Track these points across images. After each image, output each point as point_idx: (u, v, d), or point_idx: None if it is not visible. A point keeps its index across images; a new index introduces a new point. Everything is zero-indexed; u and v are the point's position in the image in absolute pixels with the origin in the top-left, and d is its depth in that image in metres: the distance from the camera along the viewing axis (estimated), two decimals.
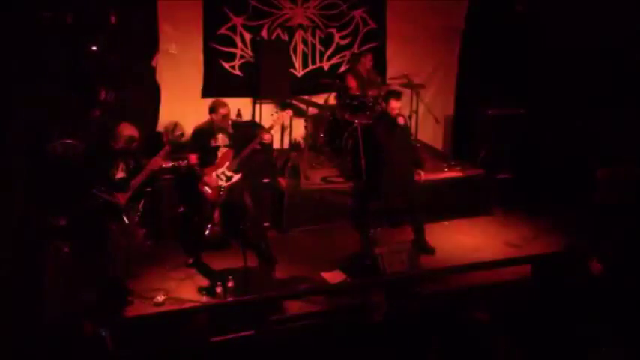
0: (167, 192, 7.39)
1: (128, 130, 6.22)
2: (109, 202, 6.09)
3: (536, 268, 6.17)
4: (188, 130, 6.95)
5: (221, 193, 6.66)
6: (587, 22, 8.61)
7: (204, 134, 6.69)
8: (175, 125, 6.81)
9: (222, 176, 6.66)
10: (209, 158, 6.69)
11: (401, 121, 7.14)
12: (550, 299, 5.28)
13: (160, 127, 8.37)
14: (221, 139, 6.70)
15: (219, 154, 6.70)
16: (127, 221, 6.18)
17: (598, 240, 6.56)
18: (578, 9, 8.68)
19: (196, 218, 6.95)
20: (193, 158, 6.68)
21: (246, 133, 6.85)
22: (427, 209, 8.19)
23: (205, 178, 6.63)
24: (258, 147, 6.65)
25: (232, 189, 6.73)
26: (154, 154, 6.35)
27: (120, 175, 6.24)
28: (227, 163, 6.68)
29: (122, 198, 6.17)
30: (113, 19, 7.62)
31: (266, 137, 6.74)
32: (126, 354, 5.03)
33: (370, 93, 8.77)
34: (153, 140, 7.76)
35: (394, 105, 7.13)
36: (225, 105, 6.68)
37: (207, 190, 6.65)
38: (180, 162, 7.28)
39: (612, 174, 8.14)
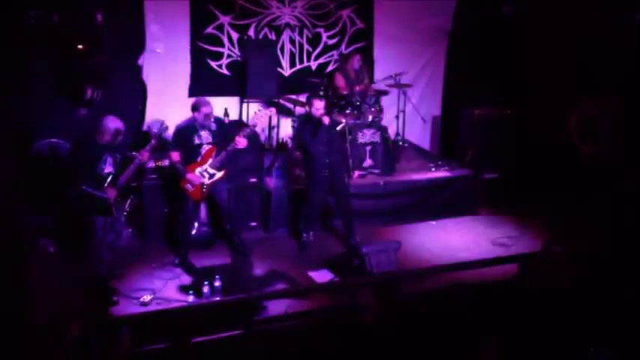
0: (152, 192, 7.36)
1: (113, 123, 6.18)
2: (98, 198, 6.05)
3: (522, 268, 6.18)
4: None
5: (204, 190, 6.64)
6: (573, 21, 8.66)
7: (186, 132, 6.65)
8: (162, 123, 6.75)
9: (205, 173, 6.63)
10: (192, 155, 6.66)
11: (326, 120, 6.97)
12: (537, 298, 5.30)
13: (146, 126, 8.34)
14: (204, 136, 6.67)
15: (202, 152, 6.67)
16: (115, 215, 6.16)
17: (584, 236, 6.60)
18: (564, 9, 8.73)
19: (181, 217, 6.93)
20: (175, 156, 6.64)
21: (230, 130, 6.82)
22: (414, 209, 8.27)
23: (188, 176, 6.60)
24: (240, 146, 6.58)
25: (214, 186, 6.71)
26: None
27: (108, 169, 6.21)
28: (210, 160, 6.65)
29: (111, 193, 6.15)
30: (99, 17, 7.58)
31: (248, 132, 6.64)
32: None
33: (358, 91, 8.78)
34: (139, 139, 7.73)
35: (318, 105, 7.00)
36: (208, 103, 6.63)
37: (190, 187, 6.63)
38: (163, 162, 7.25)
39: None
